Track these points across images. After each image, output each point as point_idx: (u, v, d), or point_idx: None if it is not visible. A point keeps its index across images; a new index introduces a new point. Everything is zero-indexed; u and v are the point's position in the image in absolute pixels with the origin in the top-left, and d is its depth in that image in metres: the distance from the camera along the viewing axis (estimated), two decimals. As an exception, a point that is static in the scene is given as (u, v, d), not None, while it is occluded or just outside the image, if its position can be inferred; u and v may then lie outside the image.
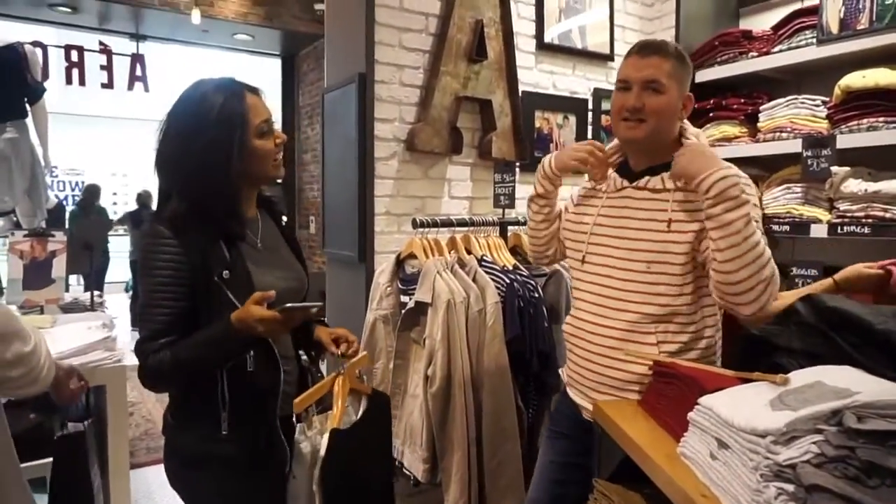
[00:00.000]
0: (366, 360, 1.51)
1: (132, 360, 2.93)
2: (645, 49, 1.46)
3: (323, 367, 1.61)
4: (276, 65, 6.86)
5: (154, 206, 1.49)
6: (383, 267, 2.11)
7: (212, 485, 1.34)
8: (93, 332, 2.88)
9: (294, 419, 1.35)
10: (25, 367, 1.35)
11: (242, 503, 1.35)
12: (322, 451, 1.28)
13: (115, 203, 10.58)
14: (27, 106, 3.40)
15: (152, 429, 3.99)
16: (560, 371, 1.68)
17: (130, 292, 7.91)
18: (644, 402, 1.41)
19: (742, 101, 2.49)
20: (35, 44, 4.12)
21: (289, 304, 1.29)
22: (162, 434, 1.43)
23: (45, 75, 3.84)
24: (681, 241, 1.41)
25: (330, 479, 1.28)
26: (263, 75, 7.11)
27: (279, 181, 1.33)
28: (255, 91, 1.38)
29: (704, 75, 2.60)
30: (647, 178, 1.48)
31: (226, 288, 1.28)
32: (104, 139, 10.31)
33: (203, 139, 1.29)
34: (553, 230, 1.69)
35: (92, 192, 7.26)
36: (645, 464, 1.16)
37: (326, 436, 1.29)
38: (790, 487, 0.83)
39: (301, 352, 1.49)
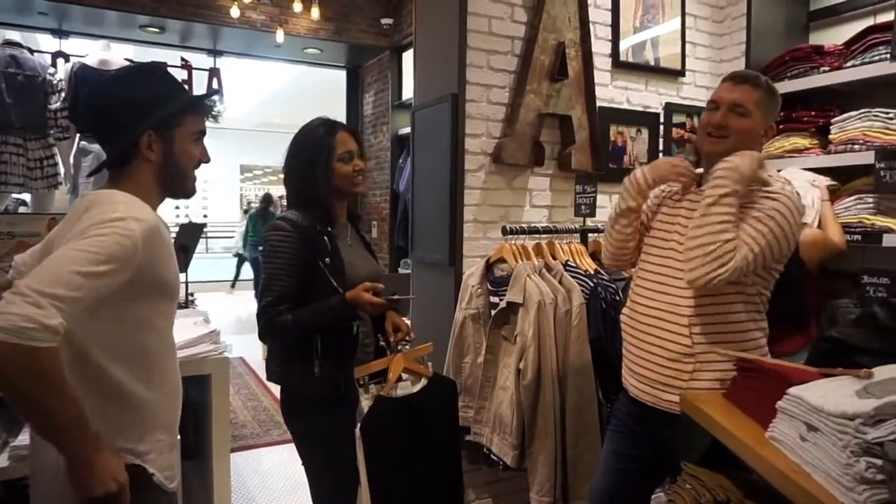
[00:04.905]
0: (427, 349, 1.89)
1: (233, 353, 3.18)
2: (738, 77, 1.63)
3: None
4: (340, 76, 7.15)
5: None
6: (473, 270, 2.30)
7: (309, 419, 1.78)
8: (198, 326, 3.17)
9: (355, 382, 1.73)
10: None
11: (330, 433, 1.74)
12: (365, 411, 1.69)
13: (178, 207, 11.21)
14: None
15: (234, 418, 4.29)
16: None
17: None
18: (729, 394, 1.55)
19: (813, 113, 2.57)
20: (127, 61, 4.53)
21: (395, 296, 1.82)
22: (268, 380, 1.88)
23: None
24: None
25: (371, 435, 1.67)
26: (329, 86, 7.44)
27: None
28: (347, 129, 1.83)
29: (774, 89, 2.70)
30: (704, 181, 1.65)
31: (326, 271, 1.70)
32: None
33: (302, 159, 1.77)
34: (637, 237, 1.84)
35: (266, 200, 8.87)
36: (737, 446, 1.30)
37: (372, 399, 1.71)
38: (878, 462, 0.97)
39: (379, 334, 1.88)
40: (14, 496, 2.14)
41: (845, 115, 2.42)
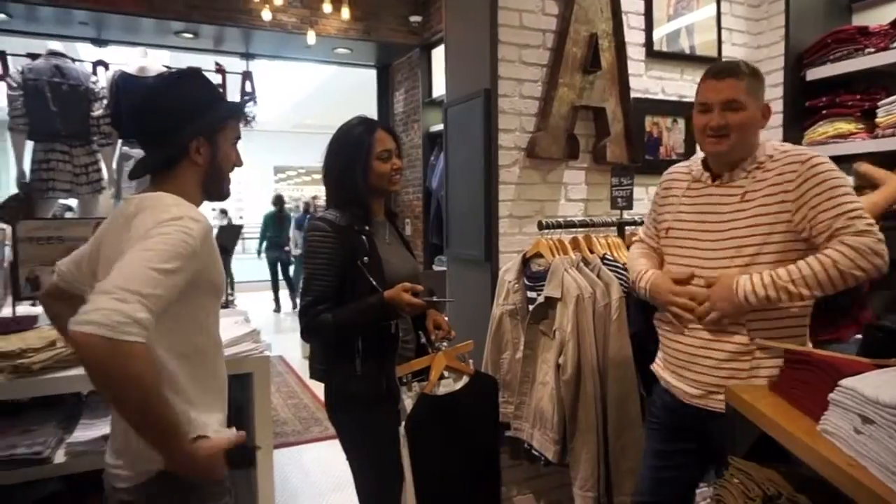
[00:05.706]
0: (468, 346, 1.90)
1: (273, 352, 3.25)
2: (720, 73, 1.58)
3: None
4: (371, 75, 7.20)
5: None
6: (509, 265, 2.29)
7: (353, 416, 1.79)
8: (239, 325, 3.24)
9: (397, 381, 1.75)
10: None
11: (374, 430, 1.76)
12: (409, 409, 1.71)
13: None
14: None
15: (276, 416, 4.37)
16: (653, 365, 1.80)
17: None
18: (776, 386, 1.52)
19: (858, 97, 2.50)
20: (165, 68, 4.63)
21: (433, 298, 1.80)
22: (311, 378, 1.90)
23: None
24: (763, 213, 1.52)
25: (415, 432, 1.69)
26: (359, 86, 7.49)
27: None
28: (385, 128, 1.86)
29: (816, 73, 2.62)
30: (726, 174, 1.61)
31: (365, 270, 1.72)
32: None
33: (342, 158, 1.80)
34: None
35: (278, 201, 9.08)
36: (788, 440, 1.27)
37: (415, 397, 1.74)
38: (938, 454, 0.94)
39: (420, 332, 1.90)
40: (73, 491, 2.22)
41: (893, 98, 2.35)
